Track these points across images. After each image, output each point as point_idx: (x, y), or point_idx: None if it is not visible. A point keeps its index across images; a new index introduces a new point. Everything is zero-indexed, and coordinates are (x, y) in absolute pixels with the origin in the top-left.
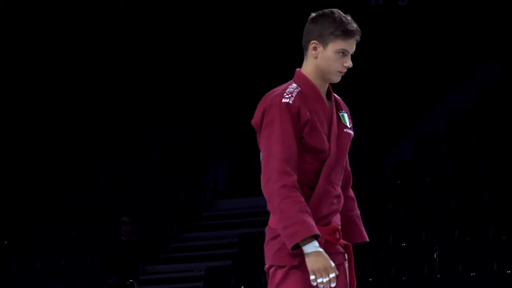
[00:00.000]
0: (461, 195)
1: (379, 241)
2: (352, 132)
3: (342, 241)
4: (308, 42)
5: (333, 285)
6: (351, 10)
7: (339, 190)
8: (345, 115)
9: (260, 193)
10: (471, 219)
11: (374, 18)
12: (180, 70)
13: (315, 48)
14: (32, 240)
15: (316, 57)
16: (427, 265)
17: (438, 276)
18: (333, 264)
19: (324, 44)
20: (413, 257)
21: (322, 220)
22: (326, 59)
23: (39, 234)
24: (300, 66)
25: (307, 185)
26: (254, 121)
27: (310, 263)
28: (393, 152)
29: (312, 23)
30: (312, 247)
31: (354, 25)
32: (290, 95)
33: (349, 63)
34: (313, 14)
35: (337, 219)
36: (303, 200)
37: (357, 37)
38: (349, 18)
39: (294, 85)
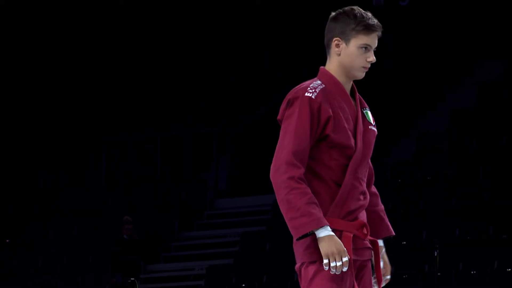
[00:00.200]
0: (462, 193)
1: None
2: (376, 130)
3: (369, 237)
4: (330, 40)
5: (345, 269)
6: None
7: (364, 186)
8: (369, 112)
9: (261, 192)
10: (471, 217)
11: (375, 18)
12: (181, 69)
13: (337, 45)
14: (33, 239)
15: (339, 54)
16: (427, 263)
17: (439, 274)
18: (345, 249)
19: (347, 41)
20: (413, 256)
21: (349, 215)
22: (349, 55)
23: (40, 233)
24: (299, 66)
25: (334, 181)
26: (280, 113)
27: (323, 247)
28: (394, 151)
29: (334, 21)
30: (325, 231)
31: (375, 20)
32: (313, 90)
33: (372, 58)
34: (333, 13)
35: (363, 216)
36: (310, 191)
37: (379, 32)
38: (369, 14)
39: (319, 81)
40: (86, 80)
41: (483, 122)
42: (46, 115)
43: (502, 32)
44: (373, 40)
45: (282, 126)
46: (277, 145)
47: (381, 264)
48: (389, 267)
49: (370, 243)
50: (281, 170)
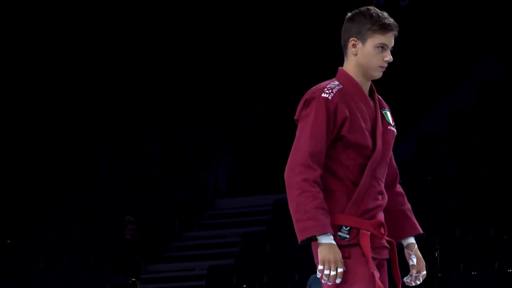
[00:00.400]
0: (462, 194)
1: None
2: (395, 130)
3: (386, 237)
4: (347, 41)
5: (338, 280)
6: (352, 10)
7: (382, 186)
8: (388, 113)
9: (261, 192)
10: (472, 218)
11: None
12: (181, 69)
13: (354, 46)
14: (34, 240)
15: (356, 54)
16: (428, 264)
17: (439, 275)
18: (341, 260)
19: (363, 40)
20: None
21: (367, 213)
22: (366, 55)
23: (41, 233)
24: (299, 66)
25: (351, 180)
26: (297, 113)
27: (321, 253)
28: (394, 151)
29: (350, 22)
30: (327, 239)
31: (391, 20)
32: (330, 91)
33: (389, 57)
34: (349, 13)
35: (381, 215)
36: (322, 196)
37: (395, 32)
38: (385, 13)
39: (336, 82)
40: (86, 80)
41: (483, 122)
42: (46, 115)
43: (502, 32)
44: (389, 40)
45: (299, 126)
46: (293, 145)
47: (415, 260)
48: (423, 263)
49: (388, 243)
50: (296, 171)
